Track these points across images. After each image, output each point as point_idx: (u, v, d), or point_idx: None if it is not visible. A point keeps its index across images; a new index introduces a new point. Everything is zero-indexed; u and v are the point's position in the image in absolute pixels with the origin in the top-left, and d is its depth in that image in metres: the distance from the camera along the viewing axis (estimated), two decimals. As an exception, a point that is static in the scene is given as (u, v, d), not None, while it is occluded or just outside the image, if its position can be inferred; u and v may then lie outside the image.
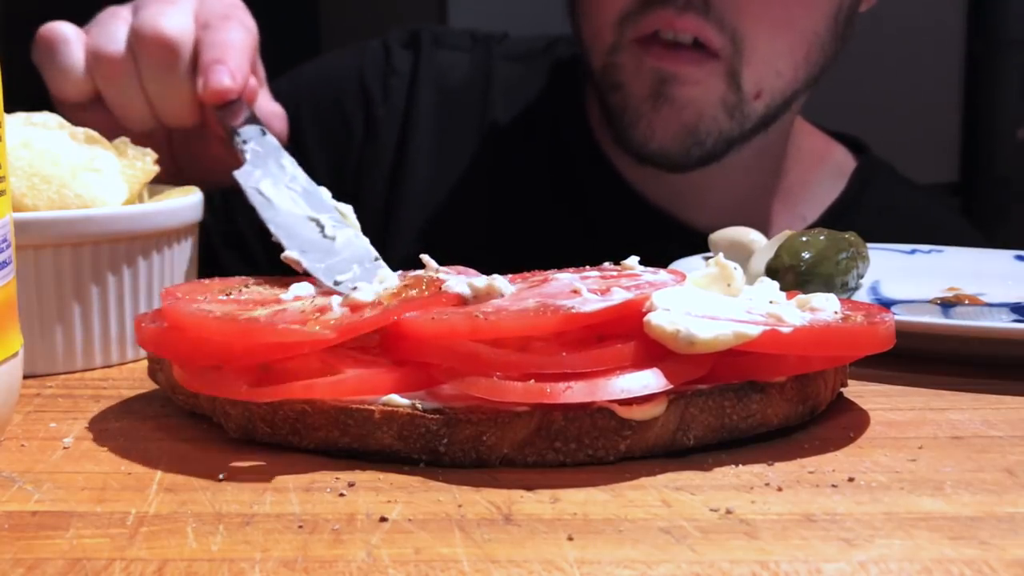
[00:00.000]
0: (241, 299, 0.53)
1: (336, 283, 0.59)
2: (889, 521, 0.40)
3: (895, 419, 0.53)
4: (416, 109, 1.12)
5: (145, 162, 0.67)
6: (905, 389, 0.58)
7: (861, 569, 0.36)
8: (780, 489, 0.43)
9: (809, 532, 0.39)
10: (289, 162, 0.70)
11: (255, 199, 0.66)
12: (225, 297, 0.54)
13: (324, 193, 0.68)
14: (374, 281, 0.54)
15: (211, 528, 0.40)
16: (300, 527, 0.40)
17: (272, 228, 0.64)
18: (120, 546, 0.38)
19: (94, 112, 0.81)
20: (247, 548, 0.38)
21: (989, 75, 2.68)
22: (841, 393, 0.56)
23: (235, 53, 0.78)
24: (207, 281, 0.58)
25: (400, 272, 0.58)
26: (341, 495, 0.43)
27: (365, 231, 1.01)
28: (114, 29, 0.79)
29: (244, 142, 0.72)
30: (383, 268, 0.62)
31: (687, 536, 0.39)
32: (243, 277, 0.59)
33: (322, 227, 0.64)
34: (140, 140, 0.81)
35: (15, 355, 0.47)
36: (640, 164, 1.04)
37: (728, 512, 0.41)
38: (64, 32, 0.79)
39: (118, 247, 0.62)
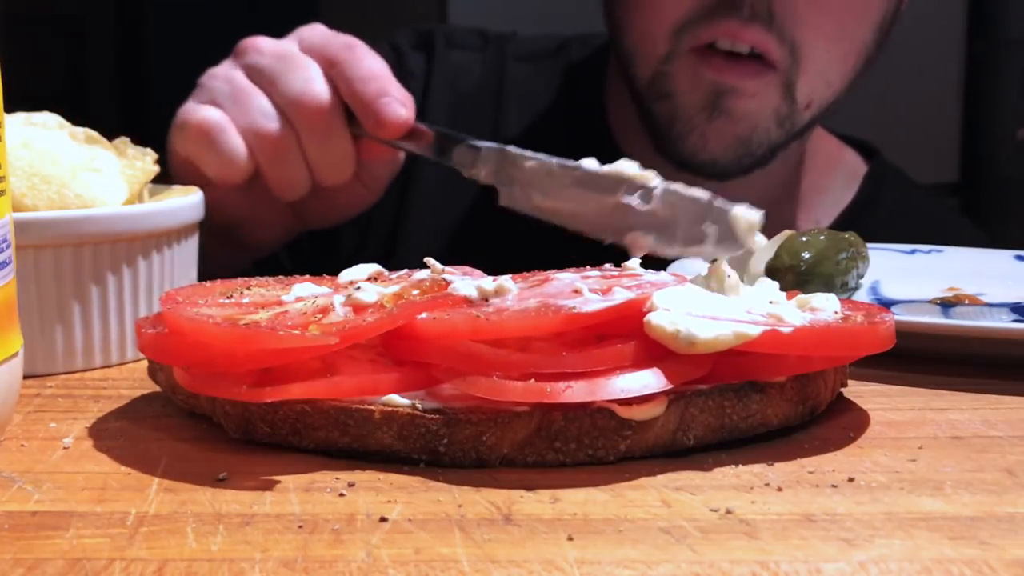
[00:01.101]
0: (243, 302, 0.53)
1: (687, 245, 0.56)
2: (889, 521, 0.40)
3: (895, 419, 0.53)
4: (429, 111, 1.12)
5: (145, 162, 0.67)
6: (905, 389, 0.58)
7: (861, 569, 0.36)
8: (780, 489, 0.43)
9: (809, 532, 0.39)
10: (526, 157, 0.67)
11: (543, 216, 0.64)
12: (226, 300, 0.54)
13: (590, 162, 0.64)
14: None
15: (211, 528, 0.40)
16: (300, 527, 0.40)
17: (585, 229, 0.61)
18: (120, 546, 0.38)
19: (250, 190, 0.81)
20: (247, 548, 0.38)
21: (989, 75, 2.68)
22: (841, 393, 0.56)
23: (389, 80, 0.78)
24: (208, 283, 0.58)
25: (404, 272, 0.58)
26: (341, 495, 0.43)
27: (378, 232, 1.01)
28: (260, 104, 0.79)
29: (472, 165, 0.70)
30: (725, 207, 0.58)
31: (687, 536, 0.39)
32: (244, 279, 0.59)
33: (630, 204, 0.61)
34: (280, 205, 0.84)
35: (15, 355, 0.47)
36: (679, 171, 1.02)
37: (728, 512, 0.41)
38: (218, 119, 0.79)
39: (118, 247, 0.62)
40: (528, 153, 0.67)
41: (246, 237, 0.86)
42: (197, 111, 0.80)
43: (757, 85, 0.95)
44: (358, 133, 0.80)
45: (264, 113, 0.79)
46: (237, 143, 0.78)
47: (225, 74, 0.82)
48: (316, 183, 0.81)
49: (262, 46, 0.82)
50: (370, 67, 0.78)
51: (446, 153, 0.73)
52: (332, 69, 0.79)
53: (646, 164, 1.07)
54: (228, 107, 0.80)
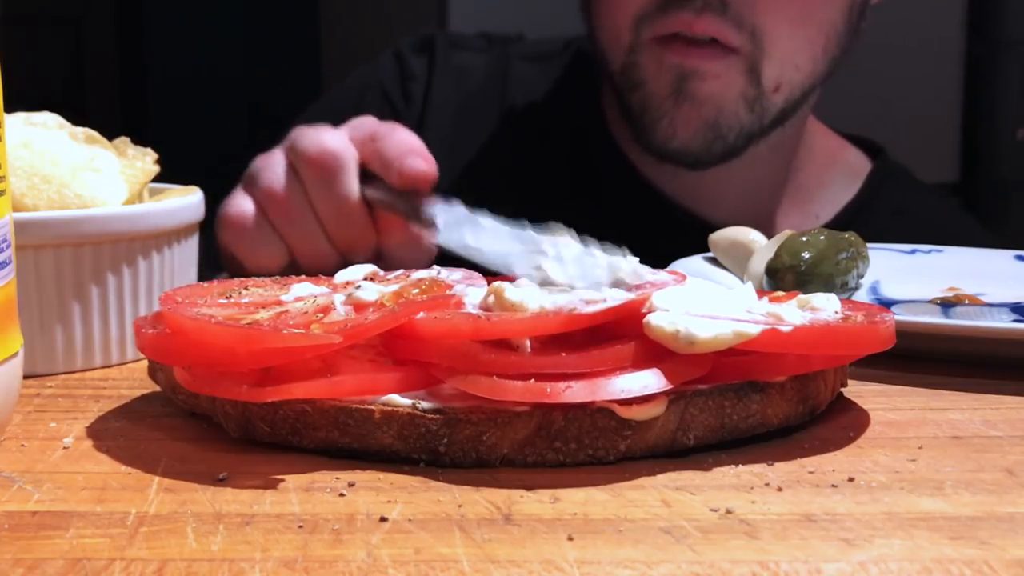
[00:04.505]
0: (242, 302, 0.53)
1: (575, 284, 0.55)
2: (889, 521, 0.40)
3: (895, 419, 0.53)
4: (432, 111, 1.13)
5: (145, 162, 0.67)
6: (905, 389, 0.58)
7: (861, 569, 0.36)
8: (780, 489, 0.43)
9: (809, 532, 0.39)
10: (484, 219, 0.69)
11: (465, 252, 0.65)
12: (225, 300, 0.54)
13: (527, 228, 0.65)
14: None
15: (211, 528, 0.40)
16: (300, 527, 0.40)
17: (497, 262, 0.62)
18: (120, 546, 0.38)
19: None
20: (247, 548, 0.38)
21: (989, 75, 2.67)
22: (841, 393, 0.56)
23: (418, 145, 0.79)
24: (205, 284, 0.58)
25: (401, 272, 0.58)
26: (341, 495, 0.43)
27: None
28: (276, 170, 0.81)
29: (432, 213, 0.71)
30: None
31: (687, 536, 0.39)
32: (241, 279, 0.59)
33: (544, 253, 0.60)
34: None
35: (15, 355, 0.47)
36: (660, 162, 1.04)
37: (728, 512, 0.41)
38: (247, 209, 0.81)
39: (118, 247, 0.62)
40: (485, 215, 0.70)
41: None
42: (232, 202, 0.82)
43: (719, 67, 0.97)
44: (371, 196, 0.80)
45: (275, 173, 0.81)
46: (268, 231, 0.81)
47: (268, 153, 0.84)
48: (337, 249, 0.81)
49: (304, 128, 0.84)
50: (404, 137, 0.80)
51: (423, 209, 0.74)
52: (371, 143, 0.80)
53: (641, 161, 1.08)
54: (255, 179, 0.82)
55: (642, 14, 0.97)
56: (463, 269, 0.58)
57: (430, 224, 0.71)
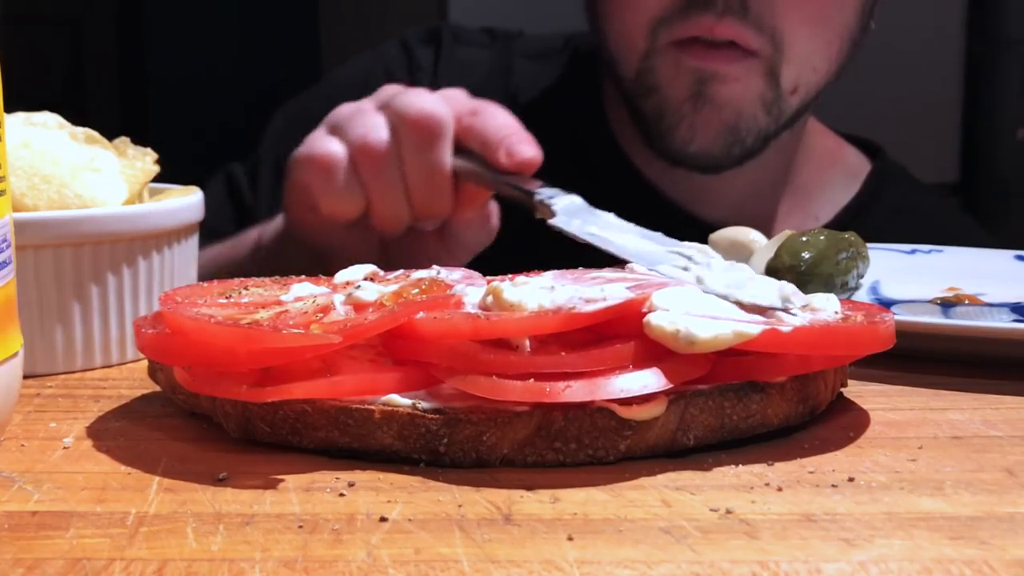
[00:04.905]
0: (242, 302, 0.53)
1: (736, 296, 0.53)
2: (889, 521, 0.40)
3: (895, 419, 0.53)
4: None
5: (145, 162, 0.67)
6: (905, 389, 0.58)
7: (861, 569, 0.36)
8: (780, 489, 0.43)
9: (809, 532, 0.39)
10: (607, 215, 0.70)
11: (593, 239, 0.66)
12: (225, 300, 0.54)
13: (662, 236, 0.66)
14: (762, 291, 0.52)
15: (211, 528, 0.40)
16: (300, 527, 0.40)
17: (633, 255, 0.62)
18: (120, 546, 0.38)
19: (352, 227, 0.83)
20: (247, 548, 0.38)
21: (989, 75, 2.68)
22: (841, 393, 0.56)
23: (521, 129, 0.80)
24: (205, 284, 0.58)
25: (401, 272, 0.58)
26: (341, 495, 0.43)
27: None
28: (374, 120, 0.81)
29: (550, 197, 0.72)
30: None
31: (687, 536, 0.39)
32: (241, 279, 0.59)
33: (689, 257, 0.61)
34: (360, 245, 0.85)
35: (15, 355, 0.47)
36: (674, 167, 1.04)
37: (728, 512, 0.41)
38: (338, 152, 0.81)
39: (118, 247, 0.62)
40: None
41: (323, 258, 0.88)
42: (321, 143, 0.82)
43: (738, 70, 0.96)
44: (460, 168, 0.81)
45: (375, 125, 0.80)
46: (352, 181, 0.81)
47: (356, 103, 0.84)
48: (413, 212, 0.82)
49: (400, 88, 0.84)
50: (508, 119, 0.81)
51: (533, 195, 0.74)
52: (471, 118, 0.81)
53: (641, 160, 1.08)
54: (340, 127, 0.82)
55: (661, 17, 0.96)
56: (463, 269, 0.58)
57: (545, 208, 0.71)
